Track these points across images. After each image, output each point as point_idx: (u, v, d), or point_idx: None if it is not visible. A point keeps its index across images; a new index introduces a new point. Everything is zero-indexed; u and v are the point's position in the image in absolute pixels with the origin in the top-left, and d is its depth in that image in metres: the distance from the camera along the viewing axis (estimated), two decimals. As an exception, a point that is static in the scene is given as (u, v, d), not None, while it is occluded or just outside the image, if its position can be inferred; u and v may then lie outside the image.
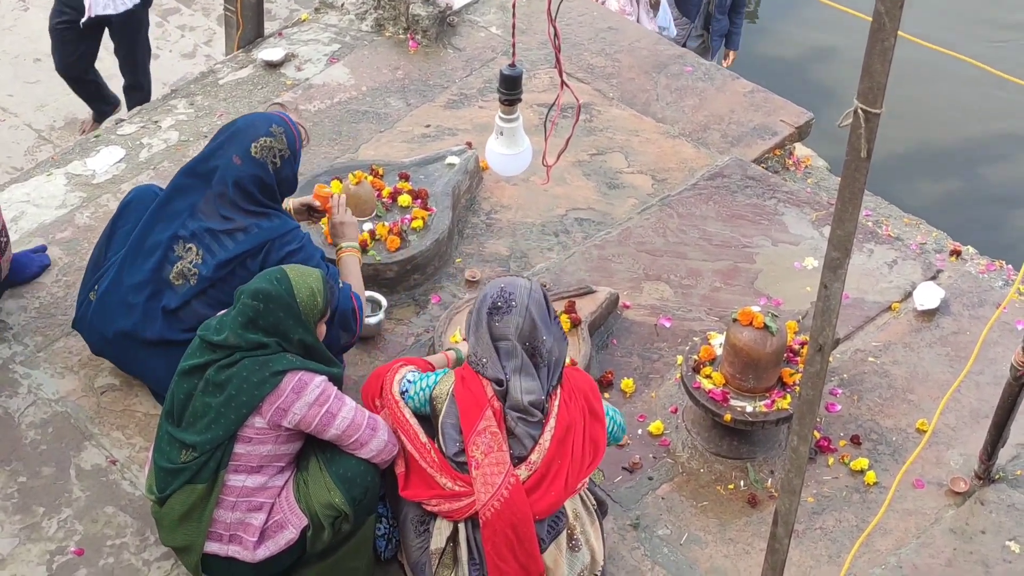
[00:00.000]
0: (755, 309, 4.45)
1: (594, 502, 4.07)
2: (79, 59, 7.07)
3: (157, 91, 7.27)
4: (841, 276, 2.61)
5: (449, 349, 4.48)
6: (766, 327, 4.40)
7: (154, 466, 4.02)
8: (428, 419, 3.99)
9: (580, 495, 3.97)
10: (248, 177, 4.44)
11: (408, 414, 3.98)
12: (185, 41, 8.24)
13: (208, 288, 4.47)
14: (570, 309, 4.90)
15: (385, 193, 5.32)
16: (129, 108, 7.33)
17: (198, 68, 7.49)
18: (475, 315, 3.91)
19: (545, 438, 3.85)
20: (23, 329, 5.03)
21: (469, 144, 5.83)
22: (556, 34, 3.36)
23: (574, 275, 5.25)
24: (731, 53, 8.38)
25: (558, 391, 3.91)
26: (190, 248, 4.46)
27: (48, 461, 4.58)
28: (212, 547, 3.97)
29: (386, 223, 5.19)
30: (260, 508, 3.97)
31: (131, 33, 7.05)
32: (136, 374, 4.73)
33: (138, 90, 7.34)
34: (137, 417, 4.72)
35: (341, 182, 5.27)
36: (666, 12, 7.70)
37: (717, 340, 4.67)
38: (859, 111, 2.34)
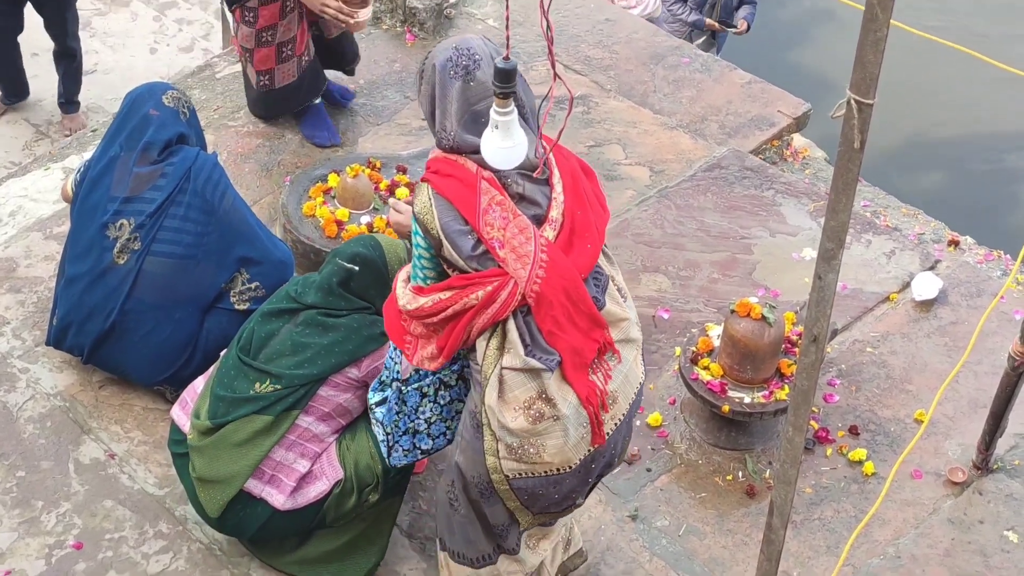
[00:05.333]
0: (753, 300, 4.46)
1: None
2: (5, 31, 7.10)
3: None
4: (836, 267, 2.61)
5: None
6: (764, 318, 4.41)
7: (211, 396, 4.04)
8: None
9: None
10: (166, 123, 4.55)
11: (410, 297, 3.44)
12: (183, 35, 8.26)
13: (152, 244, 4.50)
14: (568, 301, 4.90)
15: (382, 186, 5.32)
16: (61, 78, 7.39)
17: (195, 62, 7.49)
18: (438, 88, 3.41)
19: (558, 191, 3.44)
20: (22, 324, 5.04)
21: (466, 137, 5.83)
22: (549, 26, 3.34)
23: (572, 267, 5.26)
24: (743, 22, 8.45)
25: (542, 141, 3.49)
26: (121, 224, 4.51)
27: (47, 455, 4.59)
28: (250, 483, 3.99)
29: (384, 216, 5.20)
30: (307, 455, 4.01)
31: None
32: (128, 373, 4.75)
33: (69, 57, 7.36)
34: (136, 411, 4.74)
35: (339, 175, 5.28)
36: None
37: (715, 331, 4.68)
38: (852, 102, 2.34)
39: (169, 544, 4.30)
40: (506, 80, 4.20)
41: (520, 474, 3.50)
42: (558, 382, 3.40)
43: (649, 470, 4.57)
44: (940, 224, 5.81)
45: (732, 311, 4.47)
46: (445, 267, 3.42)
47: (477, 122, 3.39)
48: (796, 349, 4.63)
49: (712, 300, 5.17)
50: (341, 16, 5.32)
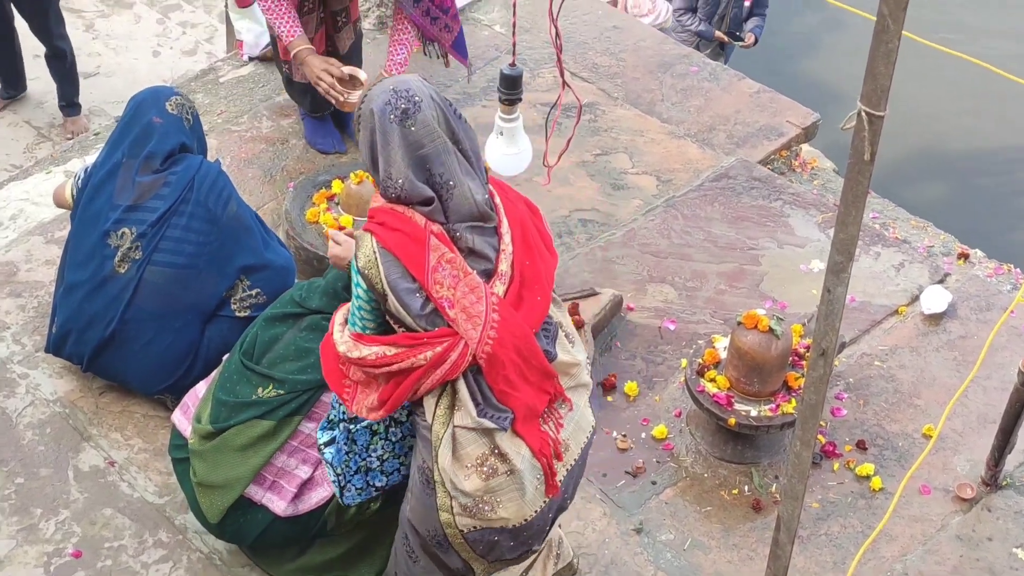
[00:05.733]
0: (760, 312, 4.45)
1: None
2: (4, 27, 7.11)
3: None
4: (844, 280, 2.62)
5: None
6: (771, 330, 4.40)
7: (213, 400, 4.03)
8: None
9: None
10: (169, 132, 4.53)
11: (352, 345, 3.37)
12: (186, 38, 8.27)
13: (154, 254, 4.50)
14: (573, 311, 4.91)
15: (387, 193, 5.33)
16: (56, 81, 7.37)
17: (199, 65, 7.50)
18: (378, 134, 3.26)
19: (506, 241, 3.34)
20: (22, 329, 5.05)
21: (472, 144, 5.83)
22: (557, 34, 3.37)
23: (578, 277, 5.26)
24: (751, 35, 8.48)
25: (491, 187, 3.41)
26: (123, 233, 4.50)
27: (46, 462, 4.59)
28: (251, 489, 3.99)
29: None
30: (309, 461, 4.01)
31: None
32: (128, 381, 4.76)
33: (59, 58, 7.33)
34: (136, 418, 4.74)
35: (342, 181, 5.29)
36: None
37: (722, 343, 4.68)
38: (862, 113, 2.34)
39: (169, 553, 4.30)
40: (512, 87, 4.20)
41: (475, 527, 3.48)
42: (510, 436, 3.38)
43: (654, 483, 4.57)
44: (950, 237, 5.80)
45: (739, 323, 4.47)
46: (390, 321, 3.35)
47: (424, 169, 3.24)
48: (803, 362, 4.63)
49: (719, 312, 5.16)
50: (333, 93, 5.22)
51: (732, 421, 4.43)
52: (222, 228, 4.51)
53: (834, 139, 7.09)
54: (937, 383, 4.90)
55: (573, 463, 3.57)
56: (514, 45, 4.06)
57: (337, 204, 5.27)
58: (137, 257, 4.47)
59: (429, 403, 3.39)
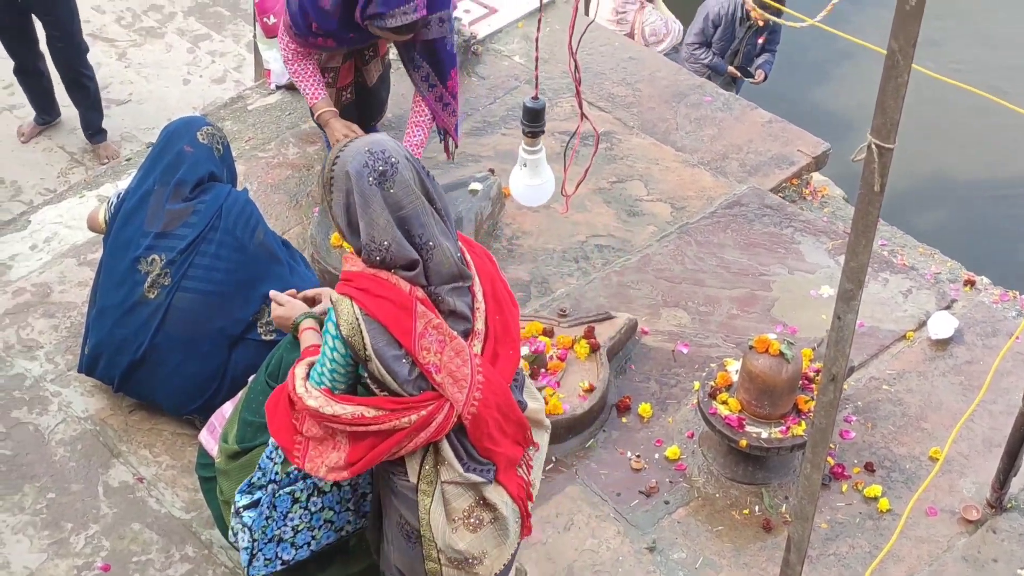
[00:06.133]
0: (771, 336, 4.45)
1: None
2: (28, 45, 7.11)
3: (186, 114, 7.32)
4: (854, 307, 2.62)
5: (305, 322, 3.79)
6: (782, 354, 4.40)
7: (239, 420, 4.02)
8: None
9: None
10: (199, 161, 4.56)
11: (324, 401, 3.26)
12: (216, 67, 8.30)
13: (183, 280, 4.52)
14: (589, 334, 4.92)
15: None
16: (80, 109, 7.38)
17: (228, 94, 7.53)
18: (357, 196, 3.15)
19: (480, 299, 3.32)
20: (55, 348, 5.08)
21: (492, 171, 5.85)
22: (576, 67, 3.37)
23: (594, 301, 5.27)
24: (760, 72, 8.50)
25: (461, 245, 3.36)
26: (153, 260, 4.52)
27: (77, 478, 4.61)
28: None
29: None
30: None
31: (68, 14, 7.04)
32: (157, 402, 4.77)
33: (82, 87, 7.33)
34: (164, 436, 4.75)
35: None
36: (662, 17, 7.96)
37: (733, 367, 4.68)
38: (872, 146, 2.35)
39: (195, 567, 4.31)
40: (535, 119, 4.19)
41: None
42: (494, 485, 3.39)
43: (667, 502, 4.56)
44: (956, 264, 5.80)
45: (750, 347, 4.47)
46: (371, 384, 3.30)
47: (404, 231, 3.15)
48: (813, 385, 4.62)
49: (731, 336, 5.16)
50: None
51: (743, 443, 4.43)
52: (249, 255, 4.53)
53: (844, 168, 7.07)
54: (944, 407, 4.88)
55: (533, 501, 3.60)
56: (536, 79, 4.07)
57: (360, 229, 5.28)
58: (166, 283, 4.49)
59: (412, 463, 3.36)
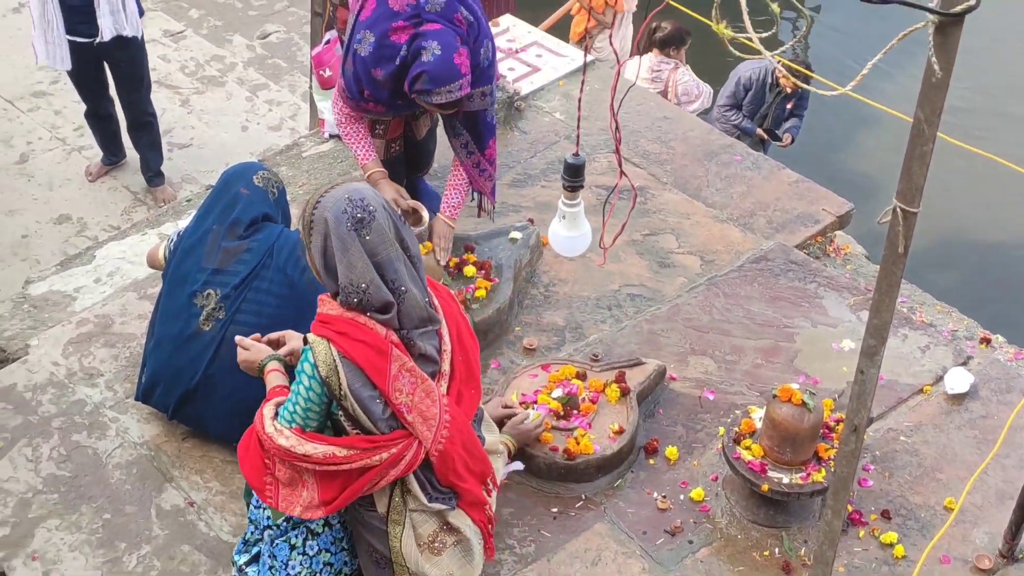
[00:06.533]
0: (794, 386, 4.45)
1: None
2: (99, 90, 7.20)
3: (244, 159, 7.39)
4: (877, 362, 2.63)
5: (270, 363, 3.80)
6: (804, 404, 4.39)
7: None
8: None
9: None
10: (254, 202, 4.61)
11: (296, 440, 3.32)
12: (272, 115, 8.39)
13: (236, 315, 4.55)
14: (620, 379, 4.93)
15: (451, 263, 5.38)
16: (140, 153, 7.45)
17: (283, 141, 7.61)
18: (335, 240, 3.23)
19: (446, 343, 3.41)
20: (114, 376, 5.12)
21: (531, 221, 5.89)
22: (617, 127, 3.41)
23: (625, 347, 5.28)
24: (788, 136, 8.54)
25: (429, 290, 3.44)
26: (208, 294, 4.57)
27: (131, 500, 4.64)
28: None
29: (451, 291, 5.24)
30: None
31: (138, 63, 7.16)
32: (209, 429, 4.81)
33: (145, 128, 7.40)
34: (215, 463, 4.78)
35: (412, 252, 5.34)
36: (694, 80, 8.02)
37: (757, 414, 4.67)
38: (897, 209, 2.37)
39: (240, 587, 4.33)
40: (575, 174, 4.24)
41: None
42: (457, 511, 3.49)
43: (691, 542, 4.54)
44: (973, 322, 5.77)
45: (774, 396, 4.47)
46: (344, 422, 3.34)
47: (383, 276, 3.24)
48: (833, 434, 4.61)
49: (755, 384, 5.16)
50: None
51: (765, 487, 4.42)
52: (298, 292, 4.57)
53: (866, 227, 7.09)
54: (959, 459, 4.86)
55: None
56: (578, 137, 4.11)
57: (406, 272, 5.32)
58: (221, 316, 4.53)
59: (381, 496, 3.42)
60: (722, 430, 4.77)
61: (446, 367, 3.39)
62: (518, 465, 4.58)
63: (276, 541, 3.67)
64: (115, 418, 4.96)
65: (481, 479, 3.53)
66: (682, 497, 4.69)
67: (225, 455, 4.79)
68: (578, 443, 4.67)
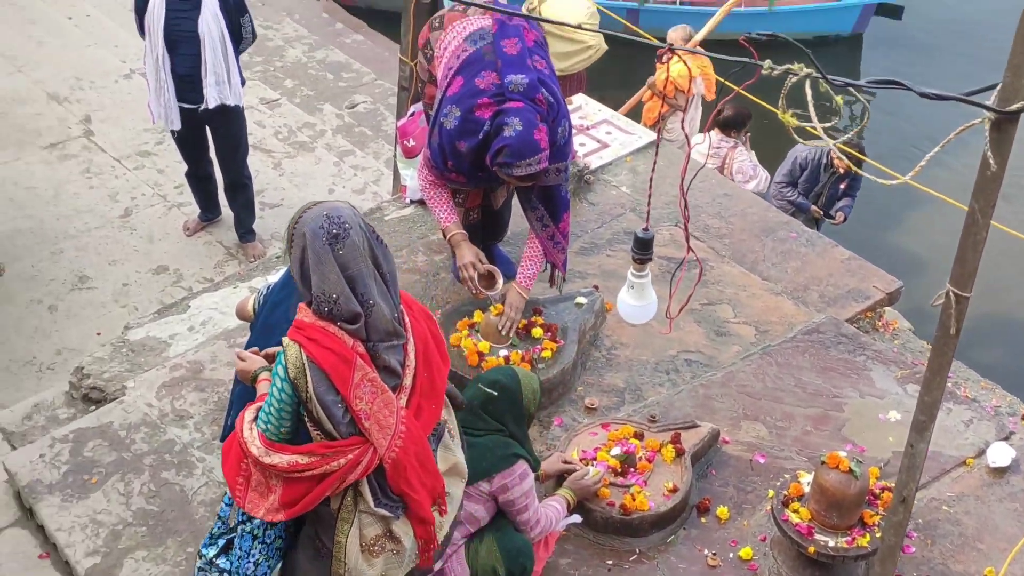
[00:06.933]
0: (842, 454, 4.40)
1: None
2: (201, 152, 7.31)
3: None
4: (927, 437, 2.60)
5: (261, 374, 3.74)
6: (851, 471, 4.35)
7: None
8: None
9: None
10: None
11: (263, 451, 3.36)
12: (357, 179, 8.46)
13: None
14: (675, 440, 4.90)
15: (520, 325, 5.38)
16: (235, 211, 7.53)
17: (367, 204, 7.67)
18: (311, 252, 3.26)
19: (411, 358, 3.41)
20: (203, 419, 5.17)
21: (596, 287, 5.89)
22: (686, 205, 3.42)
23: (681, 410, 5.25)
24: (840, 214, 8.51)
25: (401, 307, 3.46)
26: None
27: (213, 536, 4.66)
28: None
29: (519, 351, 5.25)
30: (440, 557, 4.00)
31: (238, 129, 7.27)
32: None
33: (241, 189, 7.49)
34: (292, 504, 4.79)
35: (483, 312, 5.36)
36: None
37: (806, 479, 4.62)
38: (951, 293, 2.36)
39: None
40: (644, 248, 4.25)
41: None
42: (403, 521, 3.49)
43: (739, 599, 4.50)
44: (1015, 399, 5.68)
45: (822, 462, 4.42)
46: (308, 424, 3.36)
47: (354, 289, 3.27)
48: (878, 501, 4.55)
49: (804, 450, 5.10)
50: (470, 284, 5.22)
51: (812, 549, 4.35)
52: None
53: (914, 303, 7.04)
54: (999, 530, 4.77)
55: (443, 538, 3.67)
56: (647, 214, 4.12)
57: (476, 331, 5.34)
58: None
59: (335, 496, 3.44)
60: (771, 493, 4.72)
61: (408, 381, 3.41)
62: (576, 518, 4.56)
63: (241, 533, 3.70)
64: (202, 458, 5.00)
65: (432, 493, 3.53)
66: (731, 555, 4.64)
67: (302, 497, 4.80)
68: (634, 499, 4.65)
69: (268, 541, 3.74)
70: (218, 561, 3.74)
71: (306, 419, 3.37)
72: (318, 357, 3.27)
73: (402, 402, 3.38)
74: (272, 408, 3.38)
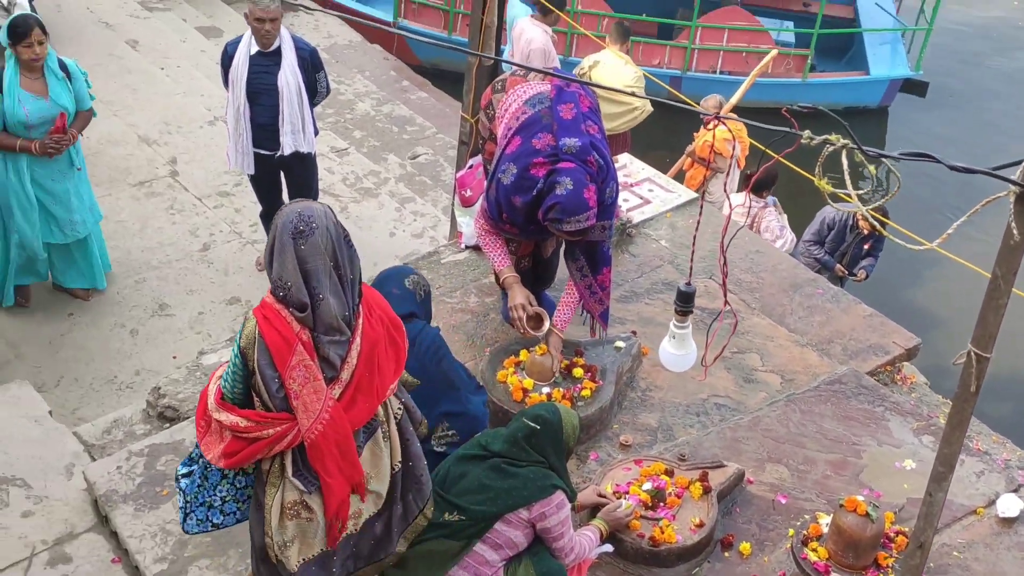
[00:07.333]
0: (859, 498, 4.36)
1: (398, 406, 3.82)
2: (275, 194, 7.35)
3: (390, 261, 7.48)
4: (945, 487, 2.56)
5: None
6: (868, 515, 4.30)
7: None
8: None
9: (388, 400, 3.74)
10: (403, 301, 4.63)
11: (215, 408, 3.55)
12: (416, 224, 8.50)
13: None
14: (703, 478, 4.85)
15: (562, 365, 5.37)
16: None
17: (425, 248, 7.70)
18: (278, 241, 3.39)
19: (352, 356, 3.49)
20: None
21: (634, 332, 5.86)
22: (725, 262, 3.41)
23: (709, 450, 5.20)
24: (863, 272, 8.45)
25: (360, 309, 3.55)
26: None
27: (272, 548, 4.65)
28: None
29: (561, 389, 5.23)
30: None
31: (310, 174, 7.30)
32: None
33: None
34: (345, 522, 4.78)
35: (528, 352, 5.36)
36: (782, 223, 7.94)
37: (824, 520, 4.57)
38: (972, 354, 2.32)
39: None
40: (686, 301, 4.28)
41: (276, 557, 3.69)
42: (317, 496, 3.59)
43: (758, 631, 4.43)
44: (1025, 453, 5.60)
45: (841, 505, 4.38)
46: (253, 393, 3.53)
47: (304, 284, 3.38)
48: (892, 544, 4.49)
49: (824, 493, 5.03)
50: (519, 324, 5.21)
51: (829, 587, 4.30)
52: (432, 378, 4.58)
53: (931, 360, 6.95)
54: (1007, 577, 4.68)
55: (362, 525, 3.74)
56: (691, 270, 4.11)
57: (522, 369, 5.33)
58: None
59: (267, 461, 3.59)
60: (792, 531, 4.67)
61: (345, 375, 3.50)
62: (608, 547, 4.52)
63: (210, 468, 3.80)
64: (264, 475, 4.99)
65: (350, 481, 3.61)
66: (754, 591, 4.58)
67: (355, 516, 4.79)
68: (663, 532, 4.60)
69: (238, 485, 3.87)
70: (182, 480, 3.85)
71: (252, 388, 3.53)
72: (266, 335, 3.41)
73: (335, 393, 3.48)
74: (229, 373, 3.55)
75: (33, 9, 8.78)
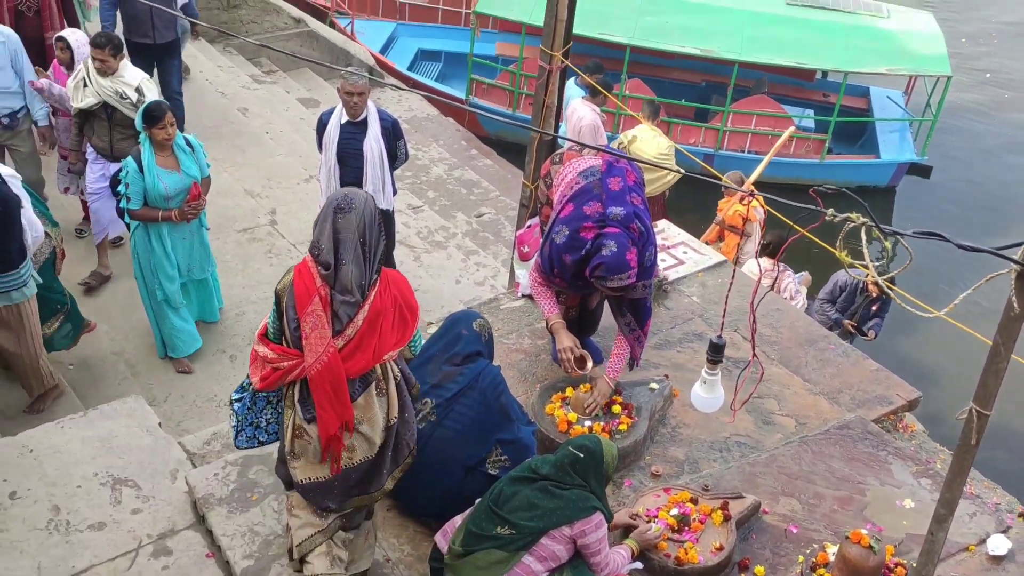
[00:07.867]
0: (863, 531, 4.27)
1: (398, 371, 3.96)
2: None
3: (455, 305, 7.49)
4: (946, 528, 2.50)
5: None
6: (871, 547, 4.21)
7: (466, 530, 4.09)
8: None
9: (389, 363, 3.87)
10: (471, 341, 4.66)
11: (257, 341, 3.85)
12: (478, 273, 8.53)
13: (444, 419, 4.54)
14: (724, 507, 4.78)
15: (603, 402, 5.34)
16: None
17: (486, 295, 7.72)
18: (323, 212, 3.68)
19: (359, 318, 3.69)
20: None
21: (667, 376, 5.81)
22: (753, 320, 3.39)
23: (729, 482, 5.13)
24: (872, 332, 8.33)
25: (376, 284, 3.74)
26: (425, 402, 4.57)
27: (344, 552, 4.64)
28: None
29: (601, 423, 5.20)
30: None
31: (388, 227, 7.25)
32: (409, 505, 4.80)
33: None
34: (409, 530, 4.76)
35: (574, 389, 5.33)
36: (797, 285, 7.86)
37: (831, 549, 4.49)
38: (973, 411, 2.28)
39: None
40: (717, 352, 4.26)
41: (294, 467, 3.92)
42: (311, 424, 3.79)
43: (769, 646, 4.33)
44: (1013, 498, 5.42)
45: (847, 537, 4.29)
46: (283, 330, 3.77)
47: (335, 247, 3.62)
48: (892, 574, 4.39)
49: (831, 525, 4.94)
50: (567, 365, 5.18)
51: (834, 611, 4.21)
52: (492, 411, 4.58)
53: (930, 411, 6.82)
54: (995, 610, 4.55)
55: (360, 460, 3.89)
56: (722, 325, 4.09)
57: (568, 404, 5.31)
58: (433, 419, 4.56)
59: (288, 389, 3.84)
60: (801, 558, 4.59)
61: (350, 332, 3.68)
62: (638, 565, 4.47)
63: (259, 394, 4.02)
64: (340, 487, 4.99)
65: (340, 419, 3.75)
66: (766, 610, 4.49)
67: (416, 526, 4.78)
68: (687, 553, 4.54)
69: (279, 410, 4.06)
70: (235, 404, 4.06)
71: (282, 325, 3.77)
72: (296, 284, 3.68)
73: (338, 344, 3.66)
74: (271, 314, 3.81)
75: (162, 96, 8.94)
